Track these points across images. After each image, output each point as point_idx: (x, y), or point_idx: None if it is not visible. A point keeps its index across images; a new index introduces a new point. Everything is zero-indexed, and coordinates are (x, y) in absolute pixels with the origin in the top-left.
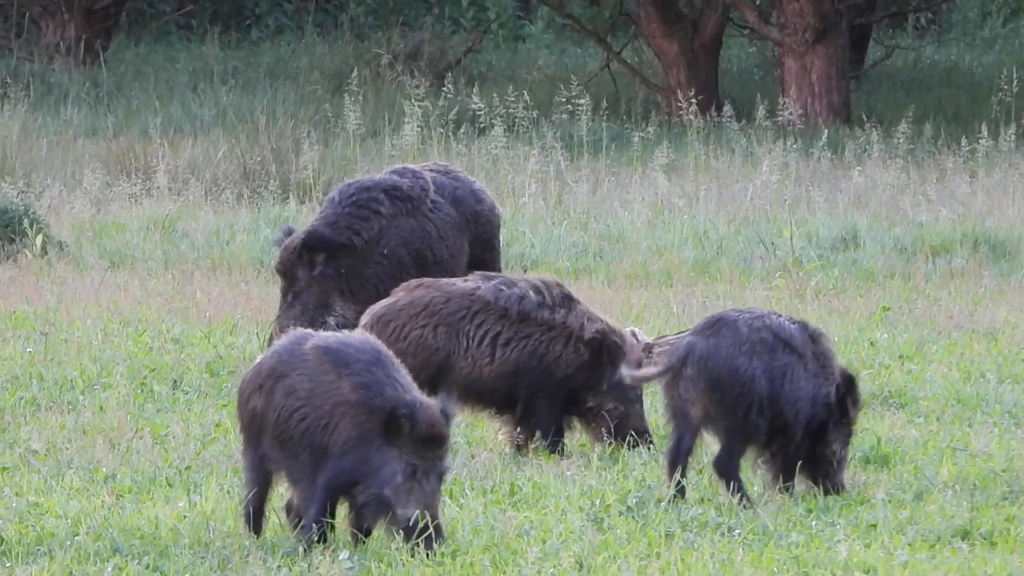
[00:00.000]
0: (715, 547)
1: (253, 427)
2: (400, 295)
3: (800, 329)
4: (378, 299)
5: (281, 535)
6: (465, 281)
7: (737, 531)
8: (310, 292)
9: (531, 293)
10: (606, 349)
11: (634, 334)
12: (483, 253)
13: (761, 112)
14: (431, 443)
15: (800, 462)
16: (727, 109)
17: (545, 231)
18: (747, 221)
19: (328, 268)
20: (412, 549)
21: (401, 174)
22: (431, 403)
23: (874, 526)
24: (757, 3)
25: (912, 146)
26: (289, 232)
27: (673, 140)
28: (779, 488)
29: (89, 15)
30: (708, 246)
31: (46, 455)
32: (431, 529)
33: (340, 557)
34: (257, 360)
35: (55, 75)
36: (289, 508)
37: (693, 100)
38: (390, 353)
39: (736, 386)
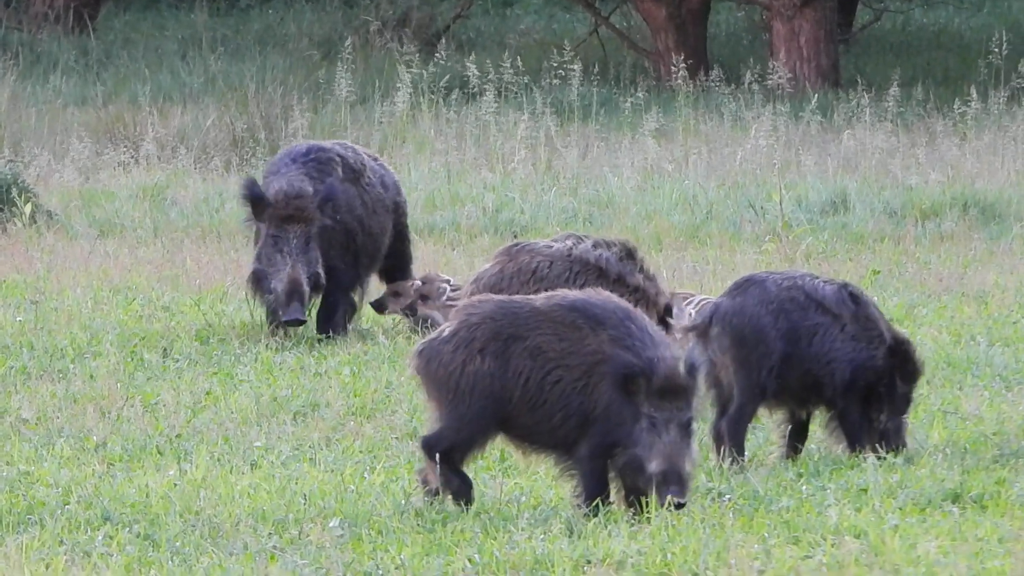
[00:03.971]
0: (705, 512)
1: (478, 389)
2: (502, 260)
3: (837, 290)
4: (321, 261)
5: (271, 503)
6: (557, 241)
7: (727, 496)
8: (316, 242)
9: (623, 255)
10: (670, 313)
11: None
12: (396, 242)
13: (750, 76)
14: (667, 394)
15: (855, 427)
16: (716, 74)
17: (535, 197)
18: (737, 185)
19: (330, 220)
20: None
21: (344, 146)
22: (672, 356)
23: (864, 490)
24: None
25: (902, 109)
26: (254, 183)
27: (662, 105)
28: (854, 453)
29: None
30: (698, 210)
31: (36, 424)
32: (674, 480)
33: (331, 524)
34: (451, 328)
35: (44, 44)
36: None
37: (683, 65)
38: (638, 312)
39: (759, 344)
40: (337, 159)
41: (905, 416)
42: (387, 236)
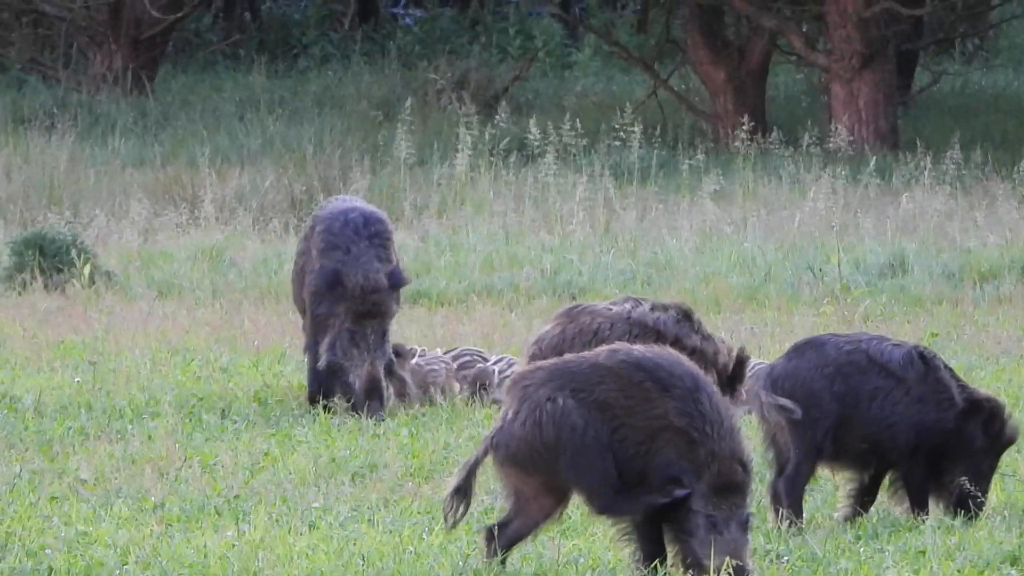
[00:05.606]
0: (764, 574)
1: (568, 426)
2: (563, 321)
3: (906, 353)
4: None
5: (329, 564)
6: (616, 304)
7: (786, 558)
8: (390, 330)
9: (680, 318)
10: (734, 373)
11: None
12: None
13: (808, 138)
14: (724, 492)
15: (918, 490)
16: (775, 135)
17: (593, 258)
18: (795, 248)
19: (395, 304)
20: None
21: (360, 201)
22: (730, 449)
23: (923, 552)
24: (804, 29)
25: (961, 172)
26: (338, 274)
27: (721, 167)
28: (915, 516)
29: (136, 45)
30: (756, 273)
31: (95, 484)
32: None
33: None
34: (512, 408)
35: (102, 105)
36: (501, 527)
37: (743, 127)
38: (706, 378)
39: (811, 407)
40: (389, 228)
41: (982, 481)
42: None
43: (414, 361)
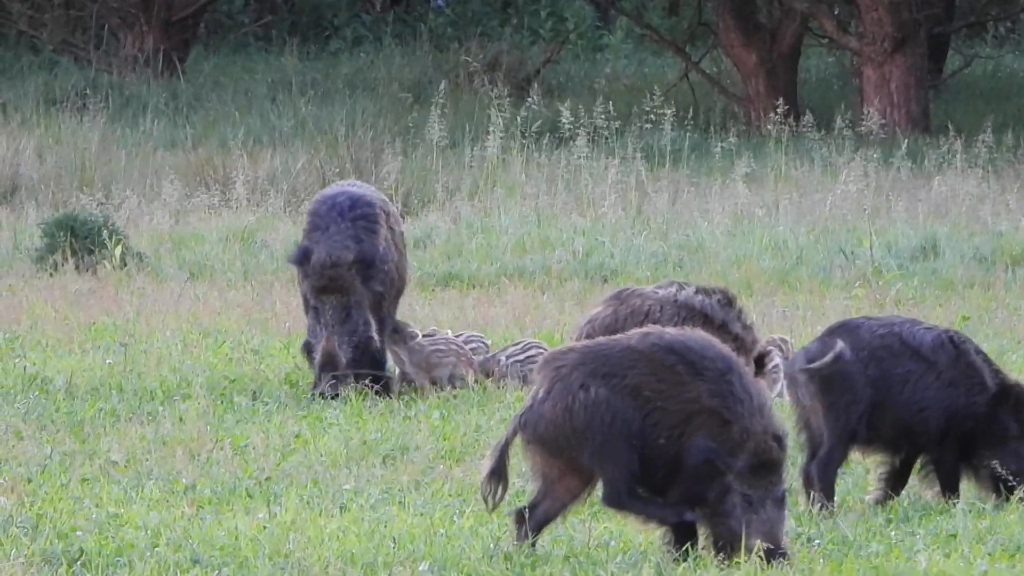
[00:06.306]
0: (795, 557)
1: (598, 418)
2: (614, 303)
3: (936, 336)
4: (372, 323)
5: (361, 546)
6: (661, 288)
7: (817, 541)
8: (363, 308)
9: (724, 303)
10: (766, 363)
11: (784, 341)
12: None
13: (840, 122)
14: (759, 471)
15: (948, 474)
16: (807, 119)
17: (625, 241)
18: (827, 231)
19: (375, 284)
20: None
21: (361, 186)
22: (763, 427)
23: (954, 536)
24: (836, 13)
25: (992, 155)
26: (307, 252)
27: (753, 150)
28: (945, 500)
29: (167, 27)
30: (788, 256)
31: (126, 466)
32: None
33: (420, 568)
34: (543, 388)
35: (133, 87)
36: (532, 508)
37: (776, 110)
38: (737, 358)
39: (846, 391)
40: (380, 212)
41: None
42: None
43: (415, 341)
